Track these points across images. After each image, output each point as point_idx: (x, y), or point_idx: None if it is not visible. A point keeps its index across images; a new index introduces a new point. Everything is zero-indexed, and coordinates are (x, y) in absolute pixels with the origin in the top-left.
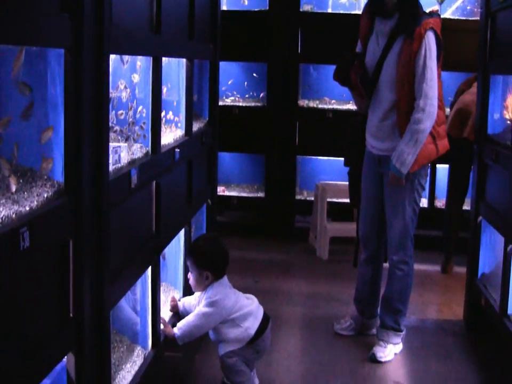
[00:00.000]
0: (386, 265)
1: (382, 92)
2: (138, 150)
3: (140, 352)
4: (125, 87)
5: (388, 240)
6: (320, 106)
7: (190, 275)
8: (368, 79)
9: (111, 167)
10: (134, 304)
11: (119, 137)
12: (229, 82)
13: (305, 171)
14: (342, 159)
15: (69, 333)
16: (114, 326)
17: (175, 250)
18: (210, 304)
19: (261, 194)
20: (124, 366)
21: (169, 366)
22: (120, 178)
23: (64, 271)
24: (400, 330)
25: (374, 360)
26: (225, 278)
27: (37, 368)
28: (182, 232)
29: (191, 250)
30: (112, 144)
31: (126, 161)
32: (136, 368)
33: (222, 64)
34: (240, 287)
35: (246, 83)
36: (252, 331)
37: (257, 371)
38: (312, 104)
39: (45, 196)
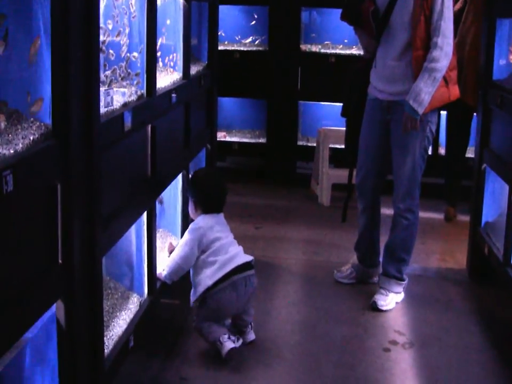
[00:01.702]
0: (389, 212)
1: (395, 29)
2: (132, 93)
3: (135, 299)
4: (118, 29)
5: (394, 188)
6: (322, 51)
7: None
8: (380, 15)
9: (103, 110)
10: (129, 250)
11: (112, 80)
12: (252, 23)
13: (307, 117)
14: None
15: (57, 280)
16: (108, 273)
17: (172, 196)
18: (191, 231)
19: (262, 140)
20: (118, 314)
21: (166, 313)
22: (112, 120)
23: (52, 216)
24: (403, 280)
25: (375, 308)
26: (218, 215)
27: (23, 315)
28: (179, 178)
29: (190, 178)
30: (104, 87)
31: (119, 104)
32: (131, 315)
33: (222, 8)
34: (240, 233)
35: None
36: (219, 274)
37: (255, 318)
38: (314, 48)
39: (31, 138)
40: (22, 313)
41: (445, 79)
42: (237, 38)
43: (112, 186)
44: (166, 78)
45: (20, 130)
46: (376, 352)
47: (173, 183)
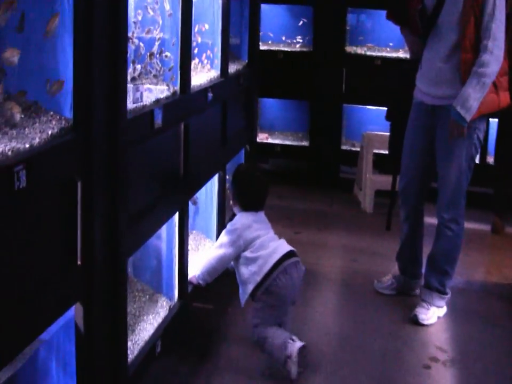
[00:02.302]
0: (434, 221)
1: (443, 29)
2: (165, 90)
3: (164, 303)
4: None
5: (438, 197)
6: (368, 53)
7: None
8: (428, 14)
9: (131, 105)
10: (159, 252)
11: (144, 77)
12: (300, 24)
13: (352, 120)
14: None
15: (76, 282)
16: (136, 275)
17: (208, 197)
18: (228, 232)
19: (305, 143)
20: (145, 317)
21: (198, 318)
22: (141, 117)
23: (71, 214)
24: (445, 293)
25: (416, 322)
26: (257, 214)
27: (37, 317)
28: (216, 178)
29: (233, 173)
30: (133, 83)
31: (150, 101)
32: (160, 319)
33: (268, 8)
34: (280, 237)
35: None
36: (265, 267)
37: (291, 327)
38: (360, 50)
39: (49, 132)
40: (36, 315)
41: (494, 84)
42: (283, 39)
43: (141, 185)
44: (202, 76)
45: (37, 123)
46: (415, 369)
47: (208, 184)
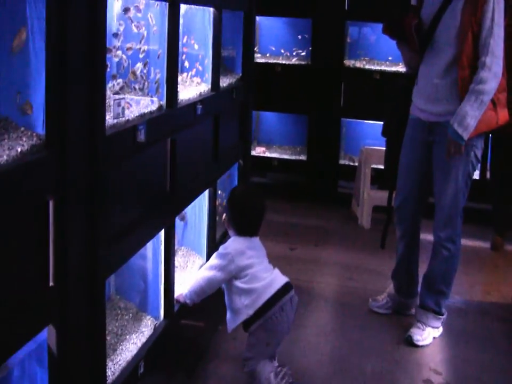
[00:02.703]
0: (431, 238)
1: (440, 45)
2: (150, 104)
3: (149, 322)
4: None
5: (435, 215)
6: (367, 67)
7: None
8: (424, 29)
9: (112, 121)
10: (144, 269)
11: (128, 91)
12: (299, 38)
13: (351, 135)
14: None
15: (47, 303)
16: (119, 292)
17: (198, 213)
18: (219, 255)
19: (303, 157)
20: (127, 336)
21: (186, 336)
22: (122, 133)
23: (43, 235)
24: (441, 314)
25: (411, 343)
26: (251, 239)
27: (5, 339)
28: (206, 194)
29: (228, 194)
30: (114, 96)
31: (133, 116)
32: (144, 339)
33: (266, 20)
34: (274, 254)
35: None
36: (259, 302)
37: (282, 348)
38: (358, 64)
39: (19, 149)
40: (5, 337)
41: (493, 101)
42: (282, 51)
43: (123, 202)
44: (192, 90)
45: (6, 140)
46: None
47: (198, 199)
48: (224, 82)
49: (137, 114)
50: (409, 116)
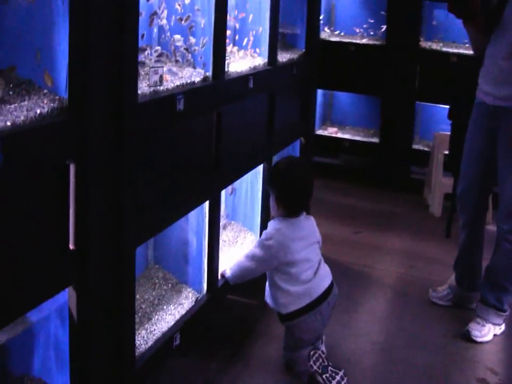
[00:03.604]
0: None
1: (509, 25)
2: (193, 75)
3: (190, 294)
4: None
5: (499, 206)
6: (444, 49)
7: None
8: (492, 6)
9: (148, 89)
10: (186, 242)
11: (170, 60)
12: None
13: (426, 119)
14: None
15: (67, 266)
16: (158, 262)
17: (252, 188)
18: (262, 246)
19: (375, 140)
20: (165, 307)
21: (232, 312)
22: (158, 101)
23: (63, 199)
24: (504, 310)
25: (468, 338)
26: (300, 222)
27: (25, 294)
28: (260, 169)
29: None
30: (153, 64)
31: (173, 85)
32: (183, 311)
33: None
34: (337, 237)
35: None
36: (297, 305)
37: (333, 330)
38: (435, 46)
39: (38, 111)
40: (22, 292)
41: None
42: (356, 31)
43: (158, 172)
44: (244, 63)
45: (26, 101)
46: None
47: (253, 174)
48: (284, 57)
49: (178, 84)
50: (475, 99)
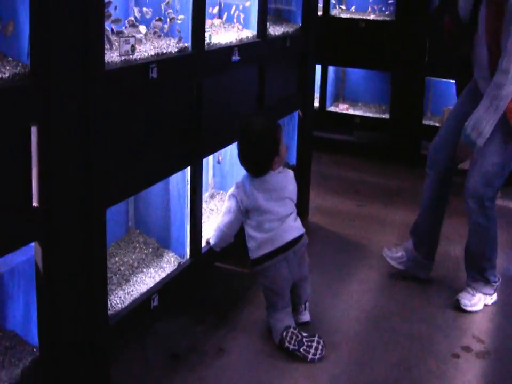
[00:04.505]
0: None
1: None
2: (171, 45)
3: (172, 258)
4: None
5: (467, 177)
6: None
7: None
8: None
9: (118, 58)
10: (168, 208)
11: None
12: None
13: (437, 94)
14: None
15: (30, 222)
16: (139, 226)
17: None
18: (229, 197)
19: (386, 116)
20: (144, 270)
21: (220, 279)
22: (128, 69)
23: (24, 159)
24: (493, 282)
25: (458, 307)
26: (267, 177)
27: None
28: None
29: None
30: (124, 33)
31: (148, 54)
32: (164, 274)
33: None
34: (340, 209)
35: None
36: (262, 251)
37: (321, 300)
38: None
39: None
40: None
41: None
42: (366, 7)
43: (131, 136)
44: (230, 35)
45: None
46: (442, 357)
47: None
48: (277, 31)
49: (153, 54)
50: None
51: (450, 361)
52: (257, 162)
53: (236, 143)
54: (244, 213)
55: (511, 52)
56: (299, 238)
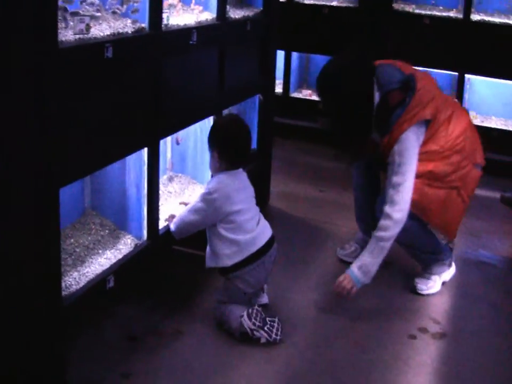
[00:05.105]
0: None
1: None
2: (127, 25)
3: (129, 240)
4: None
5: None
6: (417, 11)
7: None
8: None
9: (73, 37)
10: (125, 190)
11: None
12: None
13: None
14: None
15: None
16: (95, 208)
17: (202, 141)
18: (205, 199)
19: None
20: (100, 251)
21: (185, 264)
22: (82, 47)
23: None
24: (441, 260)
25: (414, 292)
26: (239, 176)
27: None
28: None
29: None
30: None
31: (103, 34)
32: (120, 256)
33: None
34: (303, 195)
35: None
36: (240, 257)
37: (279, 284)
38: (408, 8)
39: None
40: None
41: (455, 187)
42: None
43: (86, 116)
44: (189, 17)
45: None
46: (399, 338)
47: (204, 127)
48: (237, 14)
49: (109, 33)
50: None
51: (406, 342)
52: (241, 155)
53: (213, 141)
54: (219, 218)
55: (391, 199)
56: (272, 238)
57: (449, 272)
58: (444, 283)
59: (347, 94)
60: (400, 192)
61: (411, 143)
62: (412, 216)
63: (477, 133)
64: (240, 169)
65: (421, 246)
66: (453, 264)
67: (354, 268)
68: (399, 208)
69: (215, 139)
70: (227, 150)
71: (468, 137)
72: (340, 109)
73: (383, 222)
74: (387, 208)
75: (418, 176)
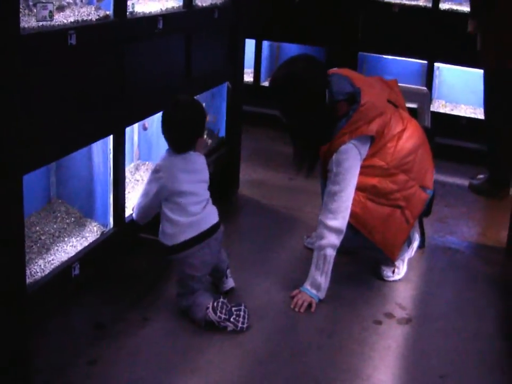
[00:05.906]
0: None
1: None
2: (92, 13)
3: (95, 228)
4: None
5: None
6: (386, 0)
7: None
8: None
9: (36, 23)
10: (91, 177)
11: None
12: None
13: (372, 70)
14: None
15: None
16: (60, 196)
17: None
18: (152, 179)
19: None
20: (66, 239)
21: (146, 251)
22: (45, 34)
23: None
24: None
25: (381, 278)
26: (189, 158)
27: None
28: None
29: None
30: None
31: (67, 21)
32: (86, 243)
33: None
34: (273, 183)
35: None
36: (180, 238)
37: (246, 271)
38: None
39: None
40: None
41: (398, 206)
42: None
43: (48, 102)
44: (154, 4)
45: None
46: (364, 323)
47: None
48: (204, 2)
49: (73, 20)
50: None
51: (372, 327)
52: (182, 137)
53: (162, 112)
54: (165, 196)
55: (326, 207)
56: (218, 224)
57: (412, 250)
58: (410, 261)
59: (300, 100)
60: (335, 201)
61: (350, 154)
62: (353, 228)
63: (430, 154)
64: (196, 153)
65: (372, 246)
66: (416, 235)
67: (307, 285)
68: (332, 216)
69: (164, 123)
70: (163, 134)
71: (418, 157)
72: (294, 114)
73: (318, 230)
74: (321, 216)
75: (362, 189)
